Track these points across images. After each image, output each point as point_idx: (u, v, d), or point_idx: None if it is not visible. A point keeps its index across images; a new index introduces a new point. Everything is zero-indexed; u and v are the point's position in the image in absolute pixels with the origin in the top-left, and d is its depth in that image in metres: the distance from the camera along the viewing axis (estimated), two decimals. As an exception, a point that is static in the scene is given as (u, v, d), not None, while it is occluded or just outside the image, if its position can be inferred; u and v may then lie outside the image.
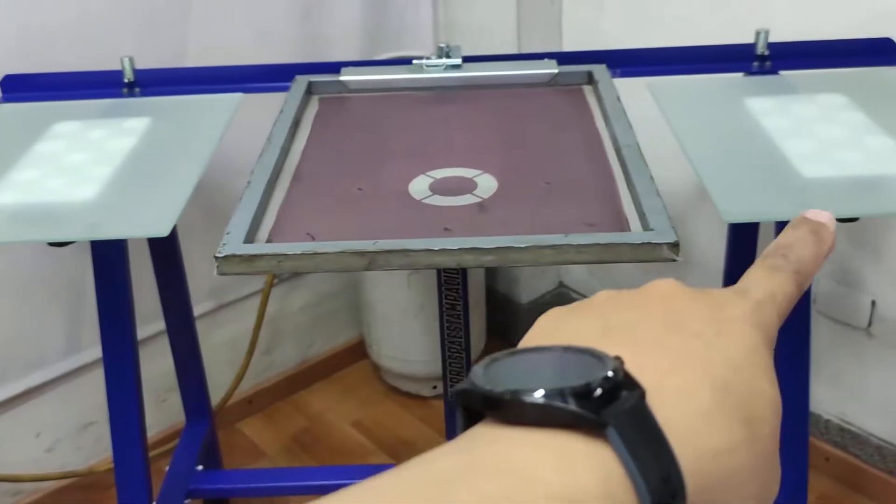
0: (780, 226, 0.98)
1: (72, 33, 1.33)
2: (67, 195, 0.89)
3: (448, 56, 1.13)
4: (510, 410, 0.27)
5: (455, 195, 0.86)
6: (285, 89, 1.13)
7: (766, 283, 0.34)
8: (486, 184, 0.88)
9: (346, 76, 1.12)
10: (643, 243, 0.73)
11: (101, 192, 0.89)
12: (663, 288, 0.33)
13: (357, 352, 1.90)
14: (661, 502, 0.26)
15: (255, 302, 1.70)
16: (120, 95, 1.15)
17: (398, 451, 1.66)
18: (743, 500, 0.29)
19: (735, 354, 0.30)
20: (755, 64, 1.15)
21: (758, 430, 0.29)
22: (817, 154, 0.91)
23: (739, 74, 1.15)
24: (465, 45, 1.15)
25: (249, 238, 0.77)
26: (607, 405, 0.26)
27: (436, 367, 1.75)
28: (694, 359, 0.29)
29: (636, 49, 1.17)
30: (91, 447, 1.57)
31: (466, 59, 1.14)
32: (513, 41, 1.64)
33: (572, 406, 0.26)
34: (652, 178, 0.83)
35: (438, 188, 0.87)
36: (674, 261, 0.73)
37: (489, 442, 0.27)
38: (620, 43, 1.45)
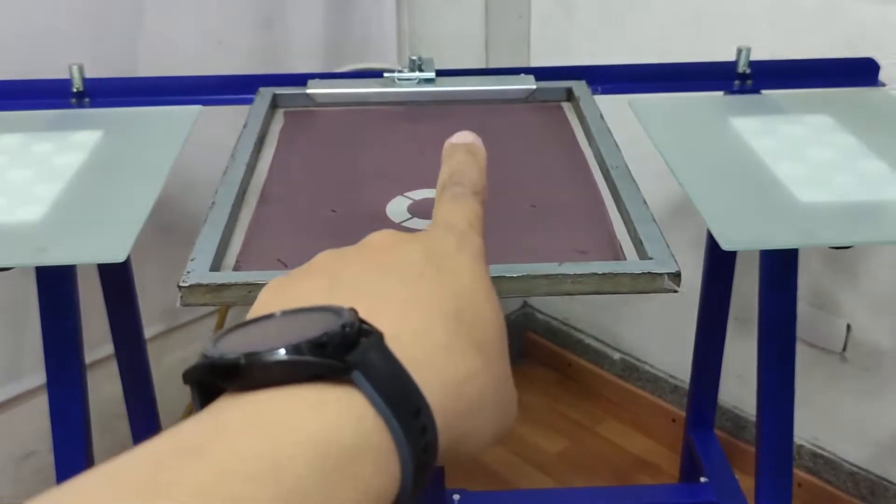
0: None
1: (12, 38, 1.25)
2: (9, 216, 0.81)
3: (421, 69, 1.08)
4: (252, 374, 0.26)
5: (436, 218, 0.80)
6: (247, 101, 1.07)
7: (461, 212, 0.37)
8: (469, 206, 0.82)
9: (314, 89, 1.06)
10: (643, 273, 0.68)
11: (47, 212, 0.81)
12: (381, 239, 0.35)
13: (315, 374, 1.82)
14: (413, 436, 0.27)
15: (210, 323, 1.62)
16: (68, 106, 1.08)
17: (359, 480, 1.59)
18: (487, 424, 0.31)
19: (459, 285, 0.32)
20: (736, 82, 1.12)
21: (491, 353, 0.31)
22: (810, 177, 0.87)
23: (720, 93, 1.12)
24: (431, 57, 1.09)
25: (215, 265, 0.70)
26: (349, 352, 0.27)
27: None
28: (422, 298, 0.31)
29: (615, 65, 1.13)
30: (31, 479, 1.47)
31: (439, 73, 1.08)
32: (480, 54, 1.59)
33: (313, 357, 0.26)
34: (645, 202, 0.78)
35: (418, 210, 0.81)
36: (674, 291, 0.68)
37: (235, 406, 0.26)
38: (590, 58, 1.41)
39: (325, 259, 0.34)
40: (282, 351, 0.26)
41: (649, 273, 0.68)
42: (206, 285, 0.66)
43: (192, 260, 0.69)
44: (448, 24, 1.62)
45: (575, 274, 0.68)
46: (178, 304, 0.67)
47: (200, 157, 1.16)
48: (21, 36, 1.26)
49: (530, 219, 0.81)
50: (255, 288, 0.67)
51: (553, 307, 1.84)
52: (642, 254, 0.72)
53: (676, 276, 0.68)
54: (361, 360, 0.27)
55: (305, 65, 1.55)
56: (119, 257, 0.74)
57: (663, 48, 1.44)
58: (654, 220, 0.75)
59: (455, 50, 1.61)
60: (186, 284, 0.66)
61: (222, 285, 0.67)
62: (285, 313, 0.30)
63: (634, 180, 0.82)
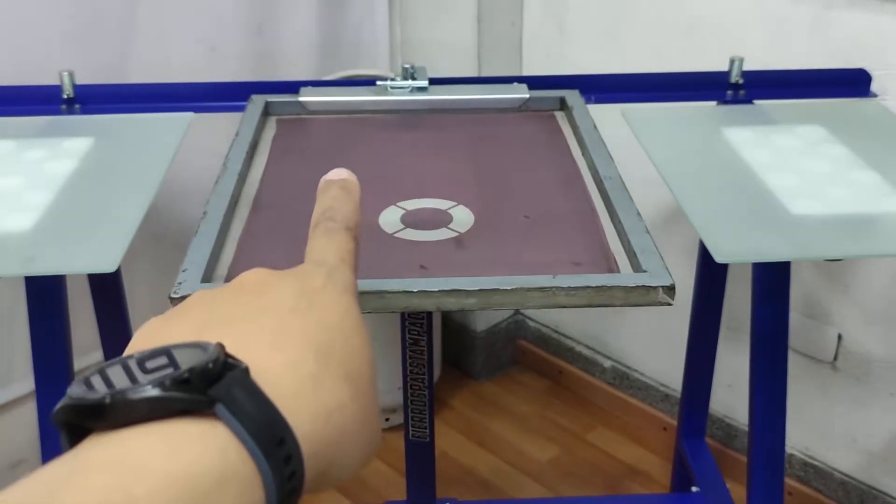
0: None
1: (2, 44, 1.24)
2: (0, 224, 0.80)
3: (413, 77, 1.07)
4: (117, 413, 0.27)
5: (429, 229, 0.80)
6: (239, 109, 1.06)
7: (333, 248, 0.38)
8: (462, 217, 0.82)
9: (306, 97, 1.05)
10: (637, 286, 0.68)
11: (37, 221, 0.80)
12: (253, 277, 0.35)
13: (305, 381, 1.81)
14: (278, 465, 0.27)
15: (199, 330, 1.61)
16: (58, 112, 1.07)
17: (348, 487, 1.59)
18: (355, 451, 0.32)
19: (329, 320, 0.33)
20: (729, 92, 1.12)
21: (360, 384, 0.32)
22: (804, 189, 0.87)
23: (712, 103, 1.12)
24: (423, 65, 1.09)
25: (207, 276, 0.70)
26: (212, 386, 0.27)
27: (388, 399, 1.69)
28: (293, 332, 0.32)
29: (608, 75, 1.13)
30: (19, 487, 1.46)
31: (431, 81, 1.08)
32: (472, 62, 1.59)
33: (177, 392, 0.27)
34: (639, 214, 0.78)
35: (411, 221, 0.81)
36: (669, 304, 0.68)
37: (98, 445, 0.27)
38: (581, 67, 1.41)
39: (198, 299, 0.35)
40: (147, 388, 0.27)
41: (643, 286, 0.68)
42: (198, 297, 0.66)
43: (183, 271, 0.69)
44: (440, 32, 1.62)
45: (569, 287, 0.68)
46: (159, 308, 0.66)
47: (190, 164, 1.16)
48: (11, 41, 1.25)
49: (524, 229, 0.80)
50: (248, 299, 0.66)
51: (544, 315, 1.83)
52: (636, 266, 0.72)
53: (671, 290, 0.68)
54: (225, 393, 0.27)
55: (297, 71, 1.54)
56: (110, 267, 0.73)
57: (655, 57, 1.44)
58: (648, 232, 0.75)
59: (447, 57, 1.61)
60: (178, 295, 0.66)
61: (214, 297, 0.66)
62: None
63: (628, 191, 0.82)
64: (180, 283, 0.67)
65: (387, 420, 1.70)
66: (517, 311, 1.88)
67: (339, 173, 0.43)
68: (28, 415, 1.42)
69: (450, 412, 1.74)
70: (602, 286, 0.68)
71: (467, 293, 0.67)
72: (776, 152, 0.95)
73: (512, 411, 1.77)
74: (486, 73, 1.57)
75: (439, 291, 0.67)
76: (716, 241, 0.76)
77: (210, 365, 0.28)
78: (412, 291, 0.67)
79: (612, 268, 0.74)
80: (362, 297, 0.66)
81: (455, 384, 1.81)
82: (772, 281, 0.99)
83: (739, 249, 0.77)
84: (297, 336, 0.32)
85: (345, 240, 0.39)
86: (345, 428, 0.31)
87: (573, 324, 1.80)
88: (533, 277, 0.68)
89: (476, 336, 1.81)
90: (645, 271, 0.70)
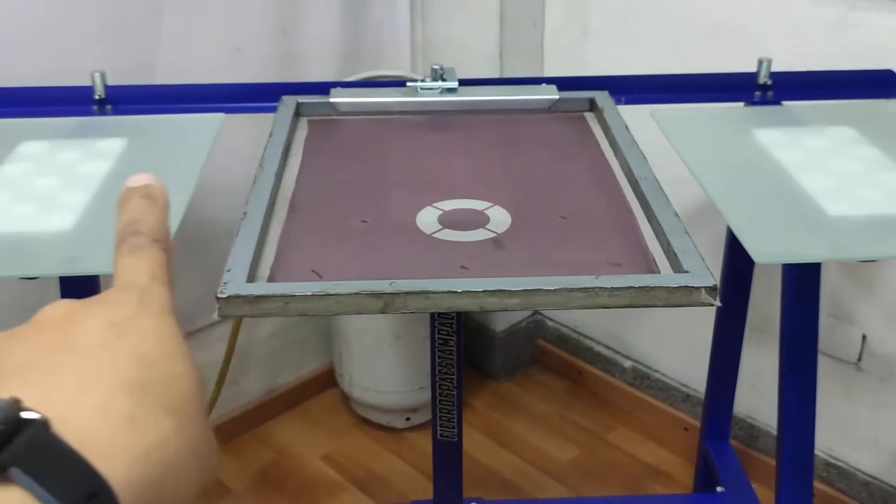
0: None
1: (31, 45, 1.25)
2: (39, 224, 0.81)
3: (443, 79, 1.08)
4: None
5: (467, 229, 0.80)
6: (267, 110, 1.07)
7: (141, 266, 0.34)
8: (499, 217, 0.82)
9: (337, 98, 1.06)
10: (680, 287, 0.68)
11: (77, 222, 0.81)
12: (55, 312, 0.32)
13: (325, 381, 1.82)
14: None
15: (222, 330, 1.61)
16: (90, 113, 1.07)
17: (371, 487, 1.59)
18: (187, 483, 0.30)
19: (144, 349, 0.31)
20: (757, 94, 1.12)
21: (185, 413, 0.30)
22: (837, 190, 0.87)
23: (740, 104, 1.12)
24: (453, 67, 1.09)
25: (251, 275, 0.70)
26: (4, 447, 0.26)
27: (410, 399, 1.70)
28: (102, 370, 0.29)
29: (636, 75, 1.13)
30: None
31: (460, 83, 1.08)
32: (494, 63, 1.59)
33: None
34: (677, 214, 0.78)
35: (448, 221, 0.81)
36: (712, 305, 0.69)
37: None
38: (603, 69, 1.41)
39: None
40: None
41: (686, 287, 0.68)
42: (244, 297, 0.66)
43: (228, 271, 0.69)
44: (461, 33, 1.62)
45: (612, 287, 0.68)
46: (215, 315, 0.66)
47: (210, 164, 1.16)
48: (40, 43, 1.25)
49: (561, 230, 0.81)
50: (293, 300, 0.67)
51: (564, 315, 1.84)
52: (676, 266, 0.72)
53: (713, 290, 0.68)
54: (20, 454, 0.26)
55: (320, 72, 1.55)
56: (153, 267, 0.73)
57: (678, 59, 1.44)
58: (687, 233, 0.75)
59: (468, 59, 1.61)
60: (224, 296, 0.66)
61: (260, 297, 0.66)
62: None
63: (664, 192, 0.83)
64: (226, 283, 0.67)
65: (407, 420, 1.71)
66: (536, 311, 1.88)
67: (140, 178, 0.38)
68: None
69: (470, 412, 1.74)
70: (645, 287, 0.68)
71: (511, 293, 0.68)
72: (807, 153, 0.95)
73: (532, 411, 1.77)
74: (507, 75, 1.58)
75: (483, 292, 0.67)
76: (754, 242, 0.76)
77: (1, 427, 0.26)
78: (456, 292, 0.67)
79: (651, 268, 0.74)
80: (407, 297, 0.67)
81: (474, 384, 1.81)
82: (802, 282, 1.00)
83: (777, 250, 0.77)
84: (107, 374, 0.29)
85: (155, 255, 0.35)
86: (171, 463, 0.29)
87: (593, 324, 1.80)
88: (576, 278, 0.69)
89: (495, 336, 1.81)
90: (686, 272, 0.70)
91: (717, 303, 0.68)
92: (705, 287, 0.68)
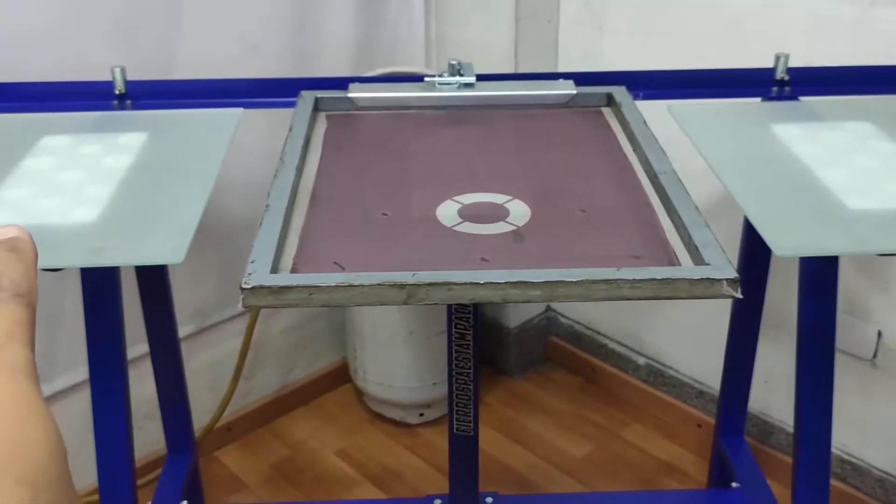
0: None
1: (49, 40, 1.25)
2: (64, 217, 0.82)
3: (461, 74, 1.08)
4: None
5: (487, 222, 0.80)
6: (285, 105, 1.07)
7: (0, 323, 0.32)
8: (519, 210, 0.83)
9: (355, 93, 1.06)
10: (702, 279, 0.68)
11: (101, 214, 0.82)
12: None
13: (338, 376, 1.83)
14: None
15: (237, 325, 1.62)
16: (110, 108, 1.08)
17: (386, 482, 1.60)
18: None
19: None
20: (774, 89, 1.12)
21: (42, 481, 0.28)
22: (858, 185, 0.87)
23: (757, 99, 1.12)
24: (471, 62, 1.10)
25: (274, 267, 0.71)
26: None
27: (423, 394, 1.70)
28: None
29: (653, 71, 1.13)
30: (61, 479, 1.47)
31: (477, 78, 1.09)
32: (509, 60, 1.60)
33: None
34: (697, 208, 0.78)
35: (468, 214, 0.82)
36: (733, 297, 0.69)
37: None
38: (618, 65, 1.42)
39: None
40: None
41: (708, 279, 0.68)
42: (269, 287, 0.67)
43: (251, 262, 0.70)
44: (476, 30, 1.63)
45: (633, 279, 0.68)
46: (239, 305, 0.67)
47: (229, 158, 1.17)
48: (60, 38, 1.26)
49: (581, 223, 0.81)
50: (317, 290, 0.67)
51: (576, 311, 1.84)
52: (697, 259, 0.73)
53: (735, 282, 0.68)
54: None
55: (335, 68, 1.55)
56: (177, 258, 0.74)
57: (694, 56, 1.44)
58: (708, 226, 0.75)
59: (483, 55, 1.61)
60: (249, 286, 0.67)
61: (284, 287, 0.67)
62: None
63: (684, 186, 0.83)
64: (250, 274, 0.68)
65: (421, 415, 1.71)
66: (549, 308, 1.88)
67: (6, 231, 0.36)
68: (68, 410, 1.44)
69: (483, 408, 1.74)
70: (667, 279, 0.68)
71: (533, 285, 0.68)
72: (826, 148, 0.95)
73: (545, 408, 1.77)
74: (522, 71, 1.58)
75: (505, 283, 0.68)
76: (775, 236, 0.77)
77: None
78: (479, 283, 0.68)
79: (672, 261, 0.74)
80: (430, 288, 0.68)
81: (488, 380, 1.81)
82: (820, 277, 1.00)
83: (799, 244, 0.78)
84: None
85: (14, 310, 0.33)
86: None
87: (606, 320, 1.80)
88: (597, 270, 0.69)
89: (509, 332, 1.82)
90: (708, 264, 0.70)
91: (739, 294, 0.68)
92: (727, 279, 0.68)
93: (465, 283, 0.68)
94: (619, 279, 0.68)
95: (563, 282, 0.68)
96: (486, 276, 0.68)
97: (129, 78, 1.10)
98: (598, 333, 1.82)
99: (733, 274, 0.69)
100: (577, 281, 0.68)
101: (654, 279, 0.68)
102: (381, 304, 0.69)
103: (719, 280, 0.68)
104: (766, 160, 0.93)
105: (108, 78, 1.08)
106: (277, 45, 1.49)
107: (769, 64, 1.12)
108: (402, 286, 0.67)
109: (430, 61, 1.70)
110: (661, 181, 0.84)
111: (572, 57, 1.62)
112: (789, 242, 0.77)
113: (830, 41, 1.30)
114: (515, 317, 1.82)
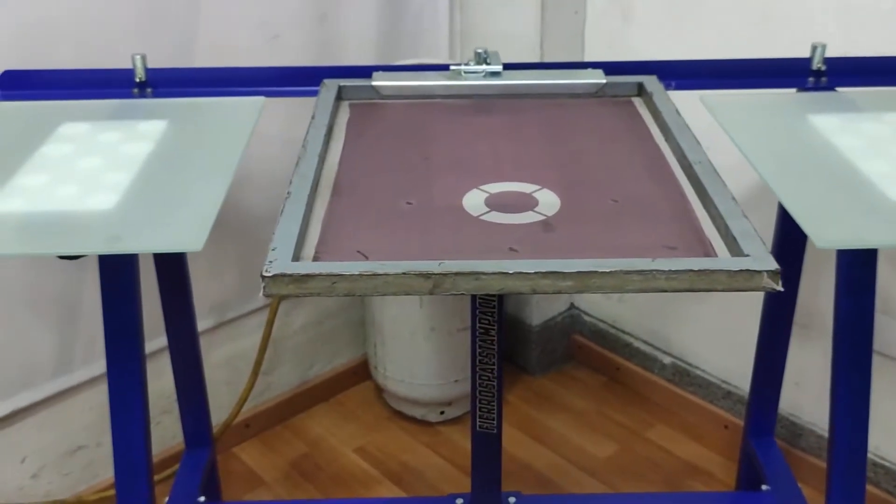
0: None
1: (70, 28, 1.24)
2: (82, 204, 0.80)
3: (487, 62, 1.06)
4: None
5: (515, 212, 0.78)
6: (307, 94, 1.05)
7: None
8: (547, 200, 0.80)
9: (379, 81, 1.04)
10: (741, 270, 0.66)
11: (119, 201, 0.80)
12: None
13: (358, 373, 1.81)
14: None
15: (255, 320, 1.60)
16: (130, 96, 1.07)
17: (405, 480, 1.57)
18: None
19: None
20: (810, 79, 1.09)
21: None
22: (900, 176, 0.84)
23: (792, 90, 1.09)
24: (497, 51, 1.07)
25: (296, 254, 0.68)
26: None
27: (444, 392, 1.68)
28: None
29: (685, 61, 1.10)
30: (79, 473, 1.46)
31: (504, 67, 1.06)
32: (534, 51, 1.57)
33: None
34: (734, 198, 0.75)
35: (495, 204, 0.79)
36: (774, 290, 0.66)
37: None
38: (645, 56, 1.38)
39: None
40: None
41: (747, 270, 0.66)
42: (290, 275, 0.65)
43: (273, 249, 0.67)
44: (501, 21, 1.60)
45: (669, 270, 0.65)
46: (260, 293, 0.65)
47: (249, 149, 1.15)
48: (81, 25, 1.25)
49: (613, 213, 0.78)
50: (340, 279, 0.65)
51: (600, 309, 1.81)
52: (735, 251, 0.70)
53: (776, 274, 0.65)
54: None
55: (358, 59, 1.53)
56: (196, 246, 0.72)
57: (723, 46, 1.41)
58: (746, 217, 0.72)
59: (508, 46, 1.58)
60: (270, 274, 0.65)
61: (306, 276, 0.65)
62: None
63: (720, 176, 0.80)
64: (271, 262, 0.66)
65: (441, 413, 1.69)
66: (572, 306, 1.85)
67: None
68: (86, 402, 1.43)
69: (505, 406, 1.71)
70: (704, 270, 0.65)
71: (564, 275, 0.65)
72: (866, 139, 0.92)
73: (568, 407, 1.74)
74: (549, 62, 1.55)
75: (535, 273, 0.65)
76: (815, 228, 0.74)
77: None
78: (507, 273, 0.65)
79: (707, 252, 0.71)
80: (457, 278, 0.65)
81: (510, 378, 1.78)
82: (858, 272, 0.96)
83: (840, 237, 0.75)
84: None
85: None
86: None
87: (631, 319, 1.77)
88: (631, 260, 0.66)
89: (531, 330, 1.79)
90: (747, 255, 0.68)
91: (780, 287, 0.65)
92: (767, 271, 0.65)
93: (494, 273, 0.65)
94: (654, 270, 0.65)
95: (595, 272, 0.66)
96: (516, 265, 0.66)
97: (150, 66, 1.08)
98: (623, 332, 1.79)
99: (774, 265, 0.66)
100: (611, 271, 0.65)
101: (691, 270, 0.66)
102: (406, 294, 0.66)
103: (759, 272, 0.65)
104: (805, 151, 0.90)
105: (130, 66, 1.07)
106: (299, 35, 1.47)
107: (804, 54, 1.09)
108: (427, 275, 0.65)
109: (455, 53, 1.68)
110: (696, 171, 0.82)
111: (599, 49, 1.59)
112: (830, 234, 0.73)
113: (866, 32, 1.26)
114: (538, 314, 1.79)
